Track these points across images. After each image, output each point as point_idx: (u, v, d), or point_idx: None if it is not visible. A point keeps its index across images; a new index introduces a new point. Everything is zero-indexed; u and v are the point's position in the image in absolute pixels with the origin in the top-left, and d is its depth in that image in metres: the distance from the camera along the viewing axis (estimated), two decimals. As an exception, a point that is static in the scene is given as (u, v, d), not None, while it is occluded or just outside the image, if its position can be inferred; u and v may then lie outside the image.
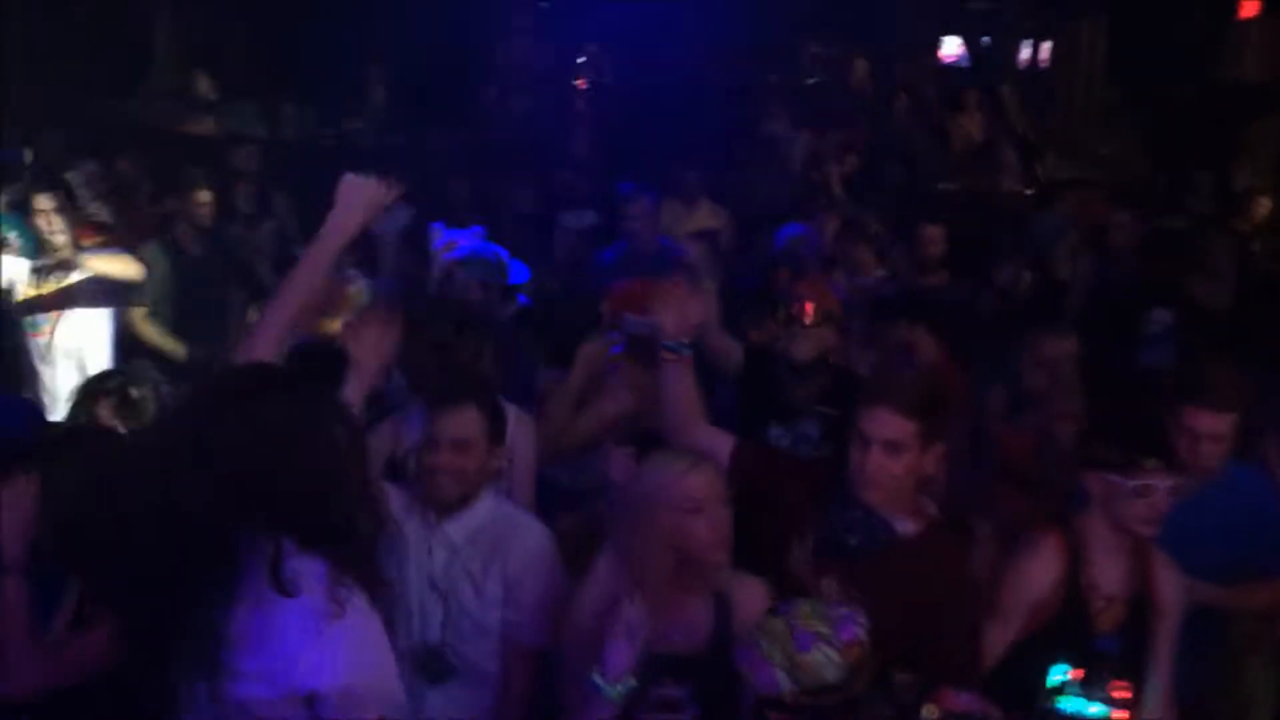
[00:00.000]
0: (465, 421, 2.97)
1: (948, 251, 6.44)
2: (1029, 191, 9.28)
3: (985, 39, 11.74)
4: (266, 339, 2.50)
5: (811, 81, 11.19)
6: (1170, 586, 3.02)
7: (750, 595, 2.76)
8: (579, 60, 11.06)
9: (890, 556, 2.84)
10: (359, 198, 2.63)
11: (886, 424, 2.81)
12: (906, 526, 2.90)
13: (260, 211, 7.29)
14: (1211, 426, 3.36)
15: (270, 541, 1.83)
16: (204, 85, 9.12)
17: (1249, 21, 9.18)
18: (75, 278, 5.60)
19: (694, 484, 2.68)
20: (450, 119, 9.18)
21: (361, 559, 1.89)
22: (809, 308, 3.95)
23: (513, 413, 3.49)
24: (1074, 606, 2.97)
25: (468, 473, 2.98)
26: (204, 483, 1.80)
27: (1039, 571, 2.98)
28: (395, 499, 2.83)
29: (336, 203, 2.62)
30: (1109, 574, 2.99)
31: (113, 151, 7.31)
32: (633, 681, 2.52)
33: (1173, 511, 2.95)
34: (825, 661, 2.37)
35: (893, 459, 2.82)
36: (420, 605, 2.98)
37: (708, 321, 3.84)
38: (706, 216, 7.65)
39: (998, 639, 2.96)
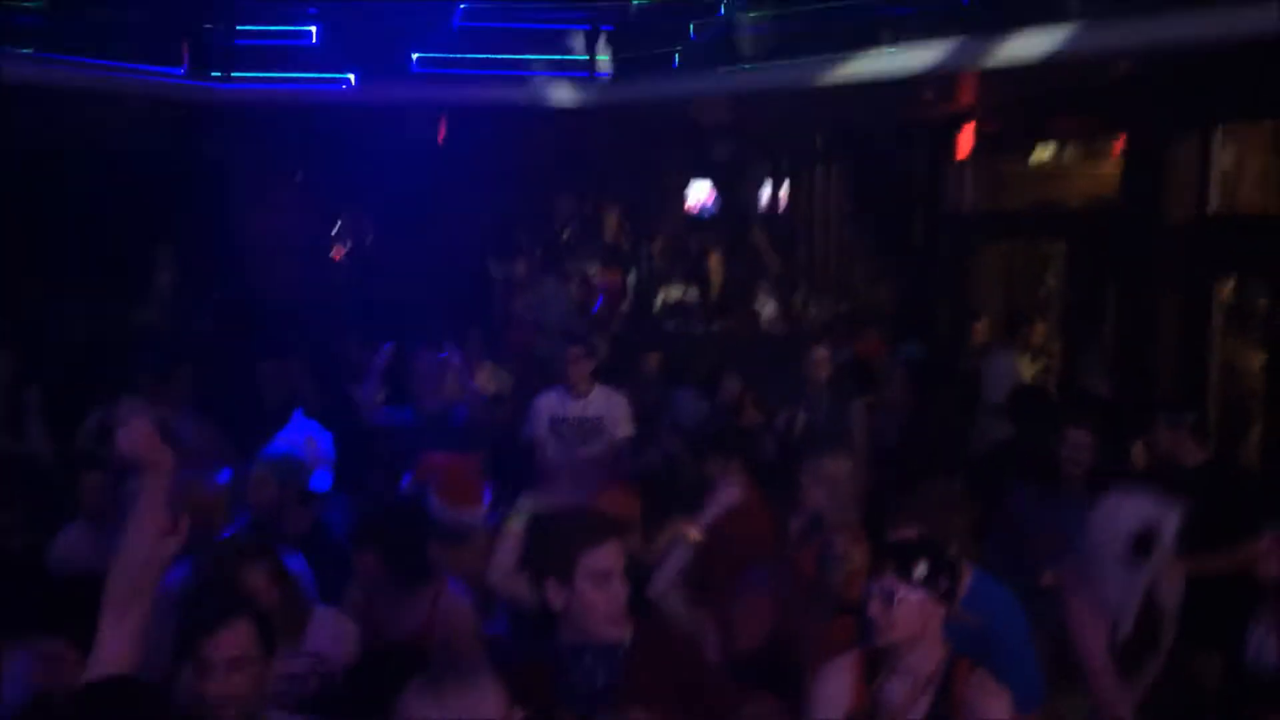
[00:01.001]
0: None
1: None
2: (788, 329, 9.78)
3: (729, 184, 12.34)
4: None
5: (565, 233, 11.48)
6: (986, 708, 3.11)
7: None
8: (334, 230, 10.99)
9: (629, 669, 2.92)
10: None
11: (607, 556, 2.93)
12: (622, 635, 2.97)
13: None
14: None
15: None
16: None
17: (964, 160, 10.01)
18: None
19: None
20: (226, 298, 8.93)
21: None
22: None
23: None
24: None
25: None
26: None
27: (835, 682, 3.15)
28: None
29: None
30: (902, 692, 3.12)
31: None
32: None
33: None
34: None
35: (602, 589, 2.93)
36: None
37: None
38: (488, 378, 7.70)
39: None
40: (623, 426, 6.33)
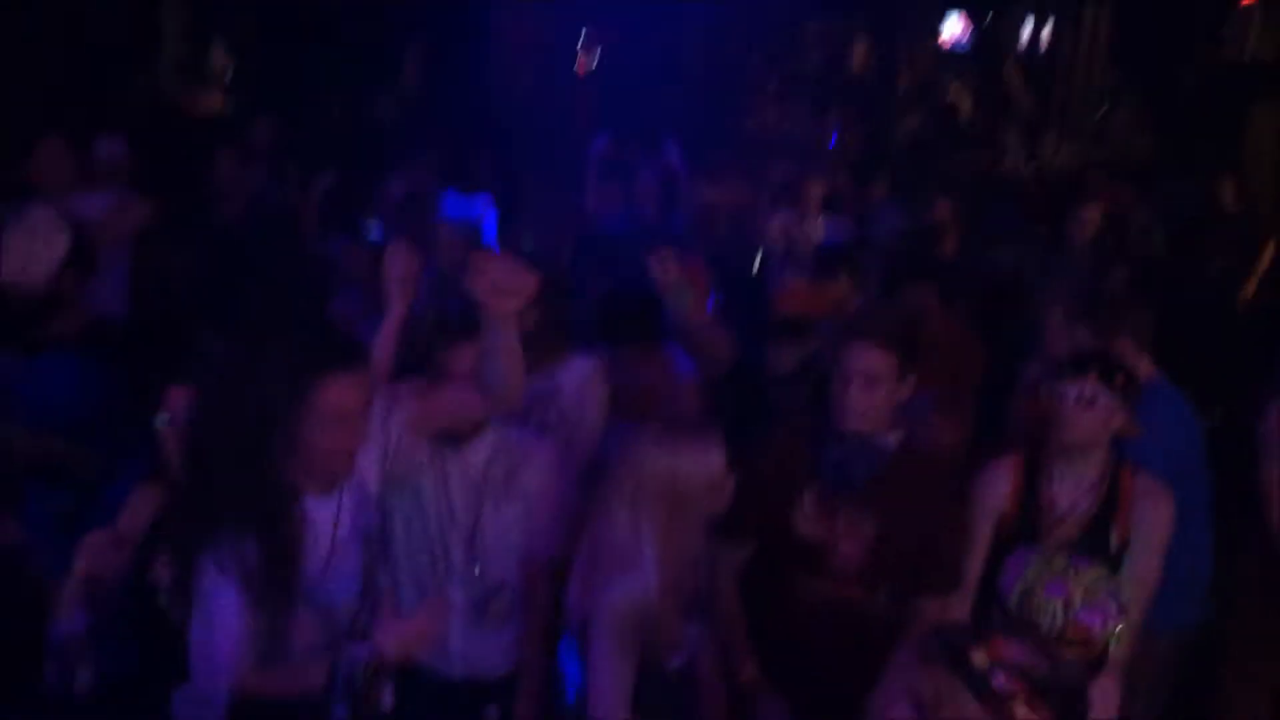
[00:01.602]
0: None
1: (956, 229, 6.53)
2: (1031, 170, 9.33)
3: (987, 18, 11.74)
4: None
5: (812, 64, 11.22)
6: (1145, 508, 3.15)
7: None
8: (580, 41, 11.05)
9: (889, 474, 3.02)
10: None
11: (863, 358, 2.97)
12: (889, 442, 3.09)
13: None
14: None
15: None
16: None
17: (1252, 5, 9.20)
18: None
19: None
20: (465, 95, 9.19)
21: None
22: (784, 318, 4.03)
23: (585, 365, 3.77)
24: (1028, 520, 3.18)
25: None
26: None
27: (994, 483, 3.24)
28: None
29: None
30: (1069, 493, 3.19)
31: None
32: None
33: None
34: (1051, 614, 2.40)
35: (871, 392, 2.98)
36: (441, 536, 3.04)
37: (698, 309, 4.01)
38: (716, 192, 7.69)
39: (970, 563, 3.16)
40: None
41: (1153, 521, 3.15)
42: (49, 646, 2.21)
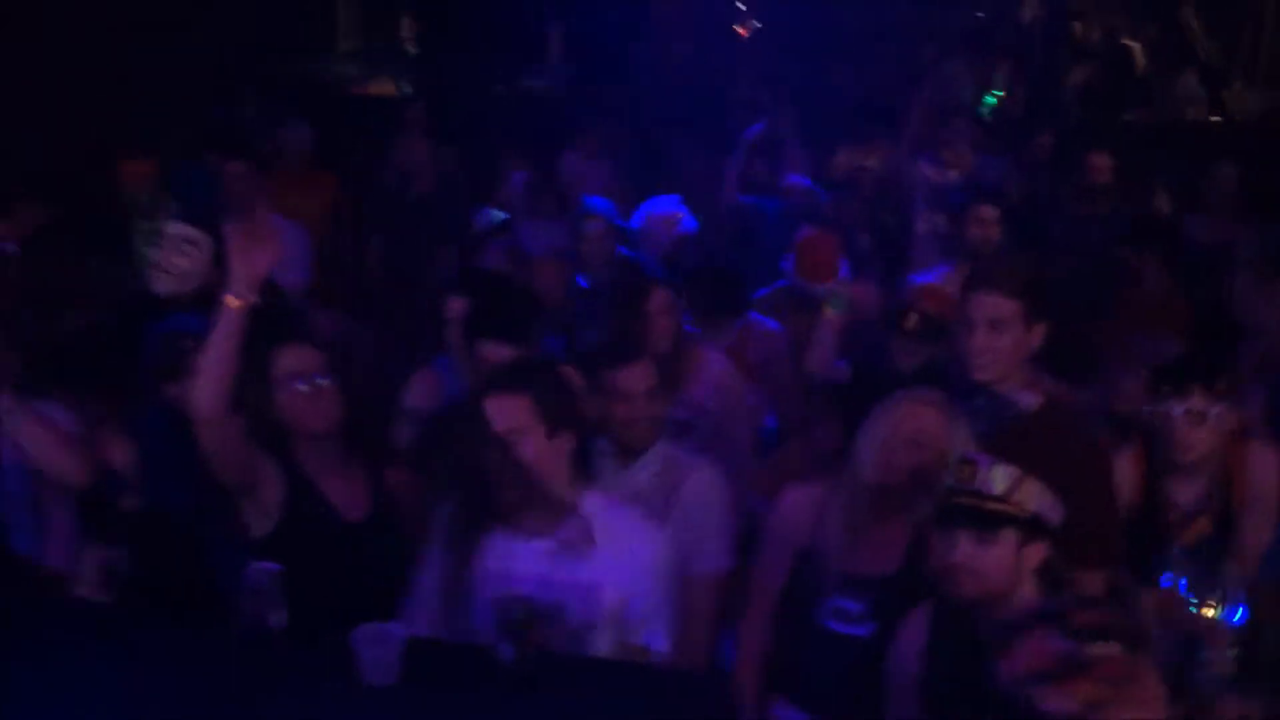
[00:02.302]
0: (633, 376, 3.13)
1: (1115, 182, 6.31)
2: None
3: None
4: None
5: (980, 15, 10.92)
6: (1263, 471, 3.08)
7: None
8: (738, 5, 10.99)
9: (1020, 432, 2.88)
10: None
11: (988, 305, 2.89)
12: (1029, 400, 2.95)
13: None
14: None
15: None
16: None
17: None
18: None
19: (927, 419, 2.76)
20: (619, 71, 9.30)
21: None
22: (914, 318, 3.97)
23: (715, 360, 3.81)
24: (1151, 517, 3.09)
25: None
26: None
27: (1117, 472, 3.07)
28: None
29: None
30: (1190, 491, 3.10)
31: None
32: None
33: None
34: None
35: (997, 337, 2.89)
36: None
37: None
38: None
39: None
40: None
41: (1263, 484, 3.08)
42: (243, 587, 2.41)
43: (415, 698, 2.24)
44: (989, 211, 5.02)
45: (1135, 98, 9.28)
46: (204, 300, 3.80)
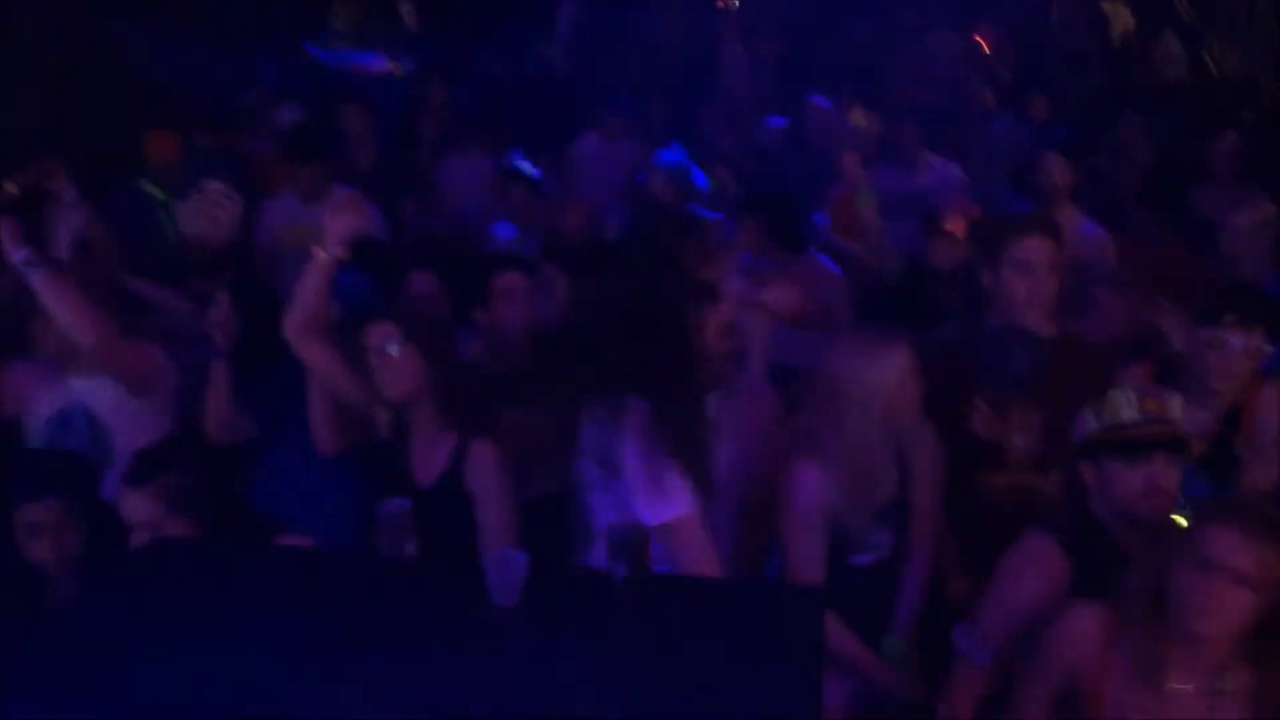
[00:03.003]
0: None
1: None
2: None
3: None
4: None
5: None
6: (1269, 415, 3.18)
7: None
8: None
9: (1051, 364, 3.10)
10: None
11: (1042, 248, 3.11)
12: (1047, 329, 3.17)
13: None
14: None
15: None
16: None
17: None
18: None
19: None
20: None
21: None
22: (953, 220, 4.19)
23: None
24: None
25: None
26: None
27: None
28: None
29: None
30: (1196, 414, 3.13)
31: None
32: None
33: None
34: (1124, 402, 2.62)
35: (1047, 282, 3.13)
36: None
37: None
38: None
39: None
40: None
41: (1274, 426, 3.18)
42: (379, 523, 2.59)
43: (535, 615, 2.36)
44: (1057, 159, 4.98)
45: (1115, 60, 9.46)
46: (221, 260, 4.16)
